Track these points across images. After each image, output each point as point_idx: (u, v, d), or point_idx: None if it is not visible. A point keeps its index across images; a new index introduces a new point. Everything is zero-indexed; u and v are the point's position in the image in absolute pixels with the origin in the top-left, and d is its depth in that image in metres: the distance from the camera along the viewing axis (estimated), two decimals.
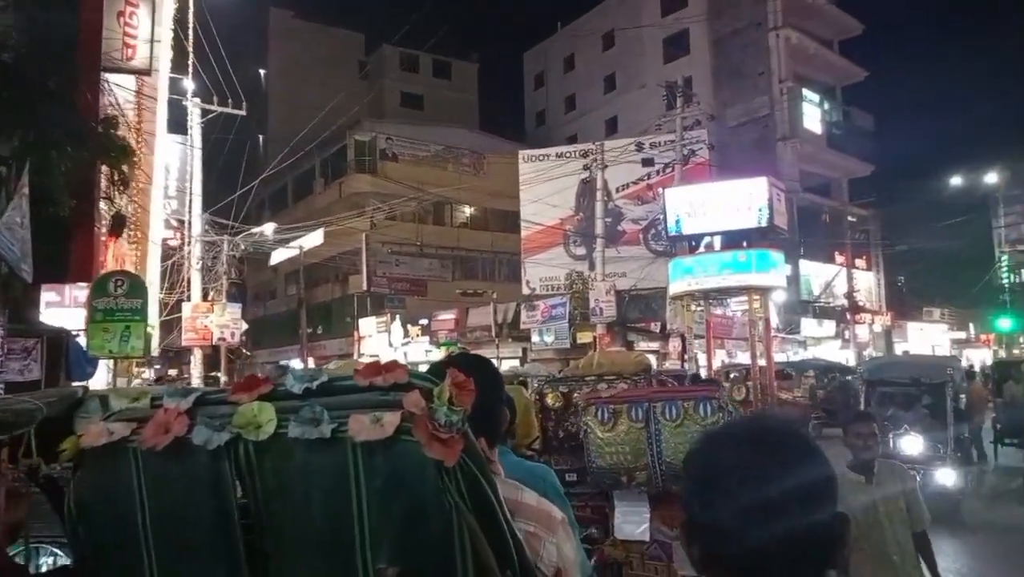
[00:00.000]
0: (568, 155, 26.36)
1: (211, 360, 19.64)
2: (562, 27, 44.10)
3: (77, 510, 1.37)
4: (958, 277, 37.48)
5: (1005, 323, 22.79)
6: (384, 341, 31.69)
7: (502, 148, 37.32)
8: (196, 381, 17.50)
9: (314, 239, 39.24)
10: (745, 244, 17.71)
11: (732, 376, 18.40)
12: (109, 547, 1.37)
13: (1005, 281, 26.01)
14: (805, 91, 33.29)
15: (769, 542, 0.93)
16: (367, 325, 33.21)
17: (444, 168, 38.52)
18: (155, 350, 18.16)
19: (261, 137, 51.93)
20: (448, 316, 28.51)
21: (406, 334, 30.74)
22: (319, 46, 48.75)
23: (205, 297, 19.15)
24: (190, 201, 17.32)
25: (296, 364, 41.10)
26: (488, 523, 1.17)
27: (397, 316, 31.53)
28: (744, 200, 17.72)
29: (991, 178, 29.60)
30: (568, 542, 1.57)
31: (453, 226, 40.08)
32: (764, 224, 17.66)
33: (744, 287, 17.91)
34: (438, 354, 29.43)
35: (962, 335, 38.80)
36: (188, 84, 17.78)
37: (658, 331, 22.32)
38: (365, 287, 34.40)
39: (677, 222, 18.41)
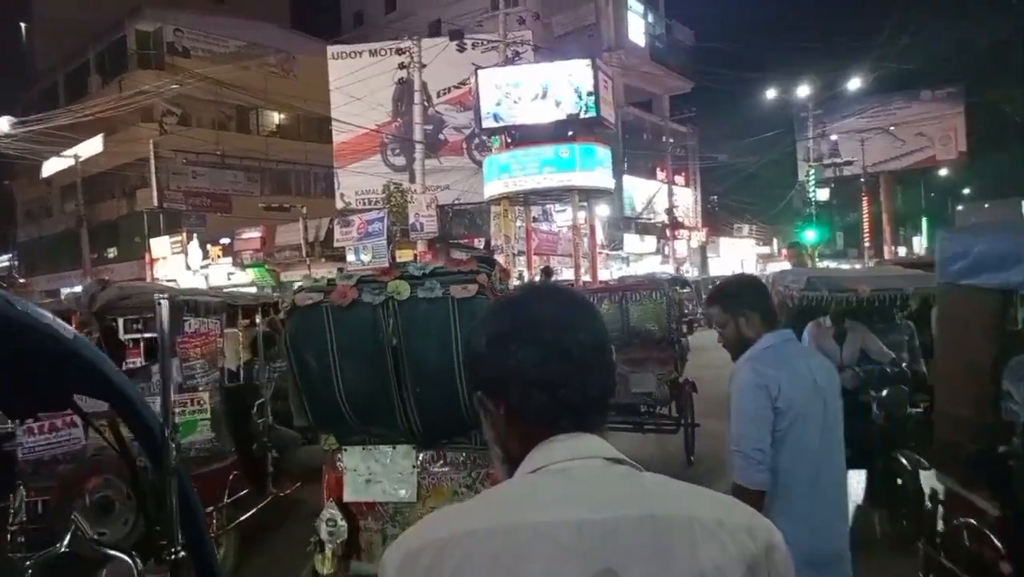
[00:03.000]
0: (383, 52, 23.69)
1: None
2: None
3: (291, 341, 2.83)
4: (765, 194, 39.55)
5: (811, 234, 23.84)
6: (181, 263, 28.14)
7: (315, 50, 33.65)
8: None
9: (92, 146, 33.95)
10: (571, 134, 16.19)
11: None
12: (311, 364, 2.80)
13: (811, 195, 27.25)
14: (630, 1, 32.59)
15: (569, 388, 0.99)
16: (160, 246, 29.33)
17: (247, 68, 34.17)
18: None
19: (23, 25, 43.86)
20: (253, 234, 25.58)
21: (205, 255, 27.41)
22: None
23: None
24: None
25: (79, 291, 36.03)
26: None
27: (195, 235, 27.98)
28: (566, 85, 16.10)
29: (801, 93, 30.68)
30: None
31: (260, 134, 36.12)
32: (590, 113, 16.25)
33: (567, 188, 16.32)
34: (242, 277, 26.48)
35: (767, 250, 41.28)
36: None
37: (482, 248, 21.04)
38: (156, 202, 30.28)
39: (493, 114, 16.60)
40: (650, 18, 34.80)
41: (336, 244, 22.11)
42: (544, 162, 15.89)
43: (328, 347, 2.74)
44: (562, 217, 22.91)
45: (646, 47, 33.59)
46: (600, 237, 23.05)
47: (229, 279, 26.57)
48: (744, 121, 38.12)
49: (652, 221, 30.43)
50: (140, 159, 31.24)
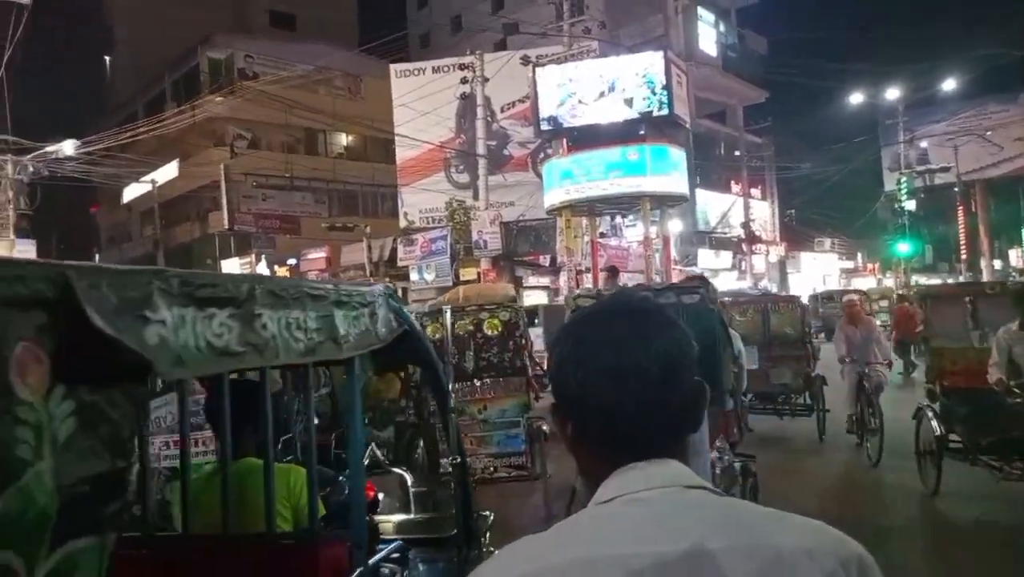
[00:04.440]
0: (445, 69, 23.33)
1: None
2: None
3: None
4: (847, 206, 37.50)
5: (904, 248, 22.10)
6: None
7: (382, 71, 33.77)
8: None
9: (168, 172, 34.86)
10: (642, 134, 14.47)
11: None
12: None
13: (903, 204, 25.36)
14: (700, 10, 31.49)
15: (638, 413, 0.95)
16: (230, 267, 29.68)
17: (315, 91, 34.55)
18: None
19: (108, 60, 45.84)
20: (318, 254, 25.50)
21: (273, 276, 27.50)
22: None
23: None
24: None
25: None
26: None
27: (263, 256, 28.16)
28: (637, 81, 14.56)
29: (887, 96, 28.87)
30: None
31: (328, 156, 36.42)
32: (663, 112, 14.52)
33: (637, 194, 14.53)
34: None
35: (851, 264, 39.08)
36: None
37: (547, 264, 20.22)
38: (227, 225, 30.70)
39: (553, 116, 15.22)
40: (721, 27, 33.57)
41: (399, 263, 21.70)
42: (610, 166, 14.29)
43: None
44: (632, 232, 21.90)
45: (718, 57, 32.36)
46: (673, 252, 21.93)
47: None
48: (823, 130, 36.39)
49: (728, 235, 29.03)
50: (212, 182, 31.83)
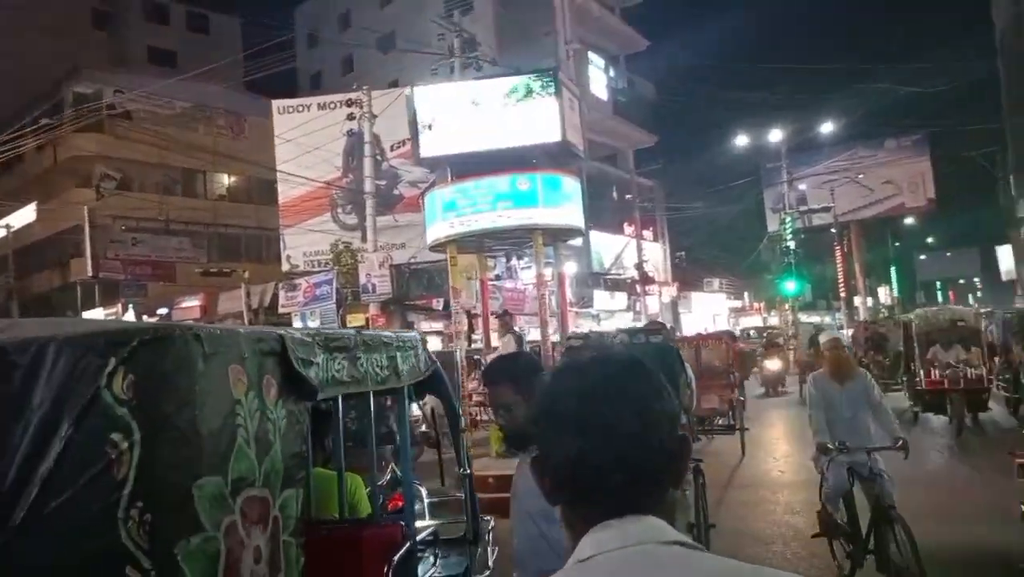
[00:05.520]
0: (332, 105, 22.36)
1: None
2: None
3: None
4: (734, 247, 38.73)
5: (791, 286, 22.64)
6: None
7: (267, 109, 32.35)
8: None
9: (25, 215, 31.93)
10: (534, 163, 13.49)
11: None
12: None
13: (788, 242, 26.14)
14: (591, 55, 32.05)
15: (611, 467, 0.94)
16: (93, 318, 27.13)
17: (195, 130, 32.70)
18: None
19: None
20: (192, 303, 23.64)
21: None
22: None
23: None
24: None
25: None
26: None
27: (131, 306, 25.89)
28: (522, 106, 13.54)
29: (768, 140, 30.05)
30: None
31: (208, 198, 34.39)
32: (555, 138, 13.42)
33: (528, 227, 13.27)
34: None
35: (739, 303, 40.21)
36: None
37: (441, 308, 19.35)
38: (90, 272, 28.22)
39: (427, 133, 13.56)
40: (611, 72, 34.29)
41: (281, 310, 20.26)
42: (499, 196, 13.04)
43: None
44: (528, 274, 21.41)
45: (608, 101, 32.93)
46: (569, 294, 21.54)
47: None
48: (709, 174, 37.55)
49: (622, 277, 29.09)
50: (77, 226, 29.27)
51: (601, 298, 27.37)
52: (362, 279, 18.07)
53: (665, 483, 0.97)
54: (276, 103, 24.43)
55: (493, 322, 16.80)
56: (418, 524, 3.64)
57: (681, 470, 0.98)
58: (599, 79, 32.44)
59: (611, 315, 28.29)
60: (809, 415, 5.35)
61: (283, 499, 1.89)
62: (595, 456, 0.93)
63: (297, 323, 20.10)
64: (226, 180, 35.74)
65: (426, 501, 4.60)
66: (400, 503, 4.02)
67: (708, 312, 35.19)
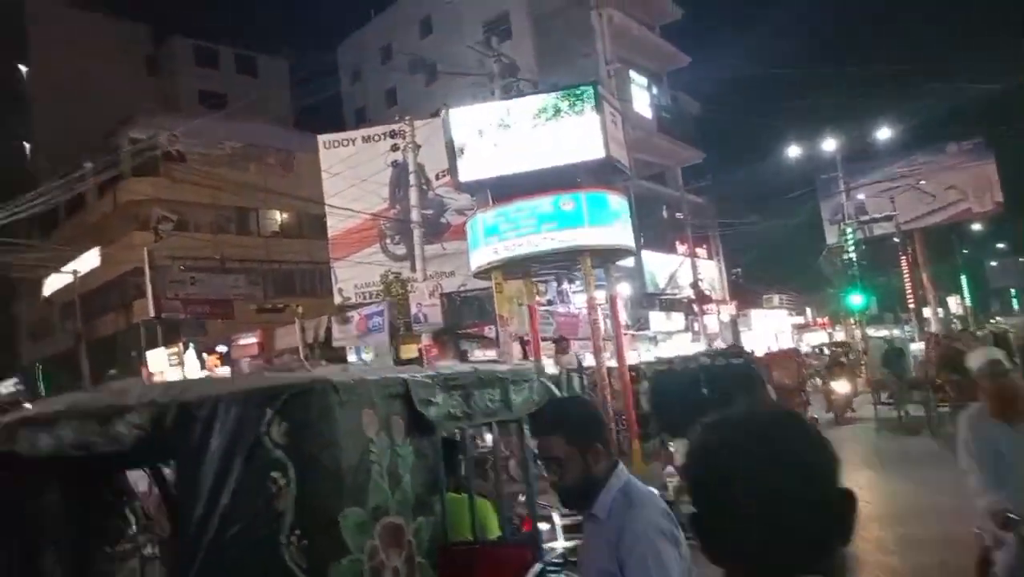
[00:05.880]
0: (376, 137, 22.49)
1: None
2: (376, 15, 40.53)
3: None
4: (792, 262, 37.59)
5: (857, 299, 21.60)
6: (179, 376, 26.37)
7: (315, 145, 32.90)
8: None
9: (89, 260, 32.89)
10: (578, 182, 12.67)
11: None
12: None
13: (850, 254, 25.05)
14: (632, 74, 31.74)
15: (780, 534, 0.94)
16: (157, 358, 27.67)
17: (246, 169, 33.44)
18: None
19: (28, 145, 43.93)
20: (250, 340, 23.83)
21: (203, 365, 25.59)
22: (96, 38, 41.65)
23: None
24: None
25: None
26: None
27: (191, 345, 26.27)
28: (565, 123, 12.65)
29: (824, 149, 29.10)
30: None
31: (261, 236, 35.00)
32: (598, 155, 12.56)
33: (575, 248, 12.65)
34: None
35: (801, 320, 38.90)
36: None
37: (494, 336, 19.03)
38: (152, 312, 28.82)
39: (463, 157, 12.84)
40: (654, 90, 33.91)
41: (335, 343, 20.24)
42: (542, 218, 12.45)
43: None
44: (581, 298, 20.98)
45: (653, 119, 32.53)
46: (624, 316, 21.01)
47: None
48: (763, 186, 36.70)
49: (677, 296, 28.39)
50: (136, 269, 30.05)
51: (657, 319, 26.72)
52: (413, 309, 17.92)
53: (837, 541, 0.96)
54: (322, 138, 24.74)
55: (548, 347, 16.43)
56: (550, 545, 3.86)
57: (850, 527, 0.96)
58: (642, 97, 32.08)
59: (669, 337, 27.59)
60: (966, 465, 3.75)
61: (416, 525, 2.11)
62: (769, 519, 0.92)
63: (352, 356, 20.07)
64: (278, 216, 36.37)
65: (559, 524, 4.73)
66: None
67: (770, 330, 34.09)
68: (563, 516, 4.85)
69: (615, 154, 13.04)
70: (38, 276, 32.89)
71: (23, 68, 43.36)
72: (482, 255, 13.22)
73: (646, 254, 27.87)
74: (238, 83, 43.74)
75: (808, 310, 39.75)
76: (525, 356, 17.56)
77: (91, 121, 34.15)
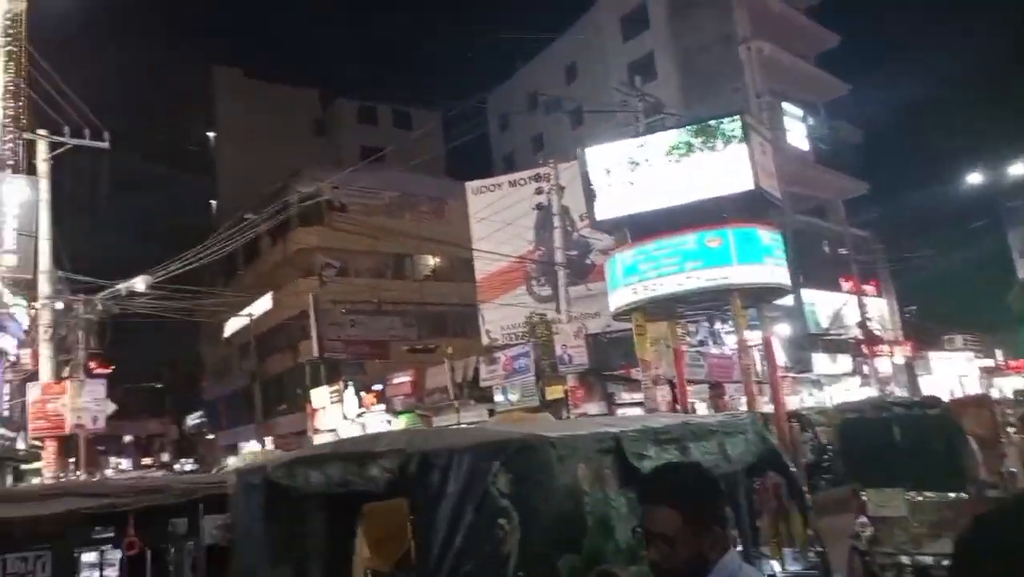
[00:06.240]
0: (521, 181, 22.91)
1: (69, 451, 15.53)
2: (523, 65, 41.74)
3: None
4: (973, 299, 33.96)
5: None
6: (339, 413, 27.73)
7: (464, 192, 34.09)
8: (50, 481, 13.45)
9: (262, 304, 35.72)
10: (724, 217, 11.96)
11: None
12: None
13: None
14: (785, 105, 30.41)
15: None
16: (320, 396, 29.30)
17: (401, 217, 35.16)
18: None
19: (214, 203, 48.75)
20: (403, 379, 24.64)
21: (360, 403, 26.76)
22: (271, 105, 45.94)
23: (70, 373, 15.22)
24: (36, 254, 13.62)
25: (252, 446, 36.83)
26: None
27: (350, 384, 27.59)
28: (708, 156, 12.00)
29: (1013, 172, 26.28)
30: None
31: (416, 279, 36.47)
32: (747, 187, 11.79)
33: (723, 288, 11.90)
34: (397, 424, 25.38)
35: (990, 362, 34.87)
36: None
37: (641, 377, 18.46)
38: (316, 353, 30.69)
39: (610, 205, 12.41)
40: (810, 121, 32.29)
41: (482, 383, 20.47)
42: (686, 256, 11.79)
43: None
44: (734, 338, 19.97)
45: (810, 151, 30.94)
46: (782, 358, 19.77)
47: (389, 426, 25.61)
48: (936, 219, 33.69)
49: (843, 337, 26.37)
50: (302, 312, 32.18)
51: (821, 362, 24.91)
52: (558, 350, 17.78)
53: None
54: (469, 184, 25.54)
55: (699, 390, 15.67)
56: None
57: None
58: (797, 129, 30.65)
59: (835, 380, 25.64)
60: None
61: (629, 574, 2.13)
62: None
63: (498, 396, 20.18)
64: (431, 261, 37.78)
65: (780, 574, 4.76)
66: None
67: (952, 373, 30.80)
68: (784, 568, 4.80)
69: (765, 185, 12.23)
70: (219, 320, 36.06)
71: (211, 135, 48.47)
72: (621, 296, 12.72)
73: (806, 292, 26.25)
74: (395, 136, 46.40)
75: (997, 352, 35.63)
76: (675, 400, 16.88)
77: (266, 178, 37.41)
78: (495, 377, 19.91)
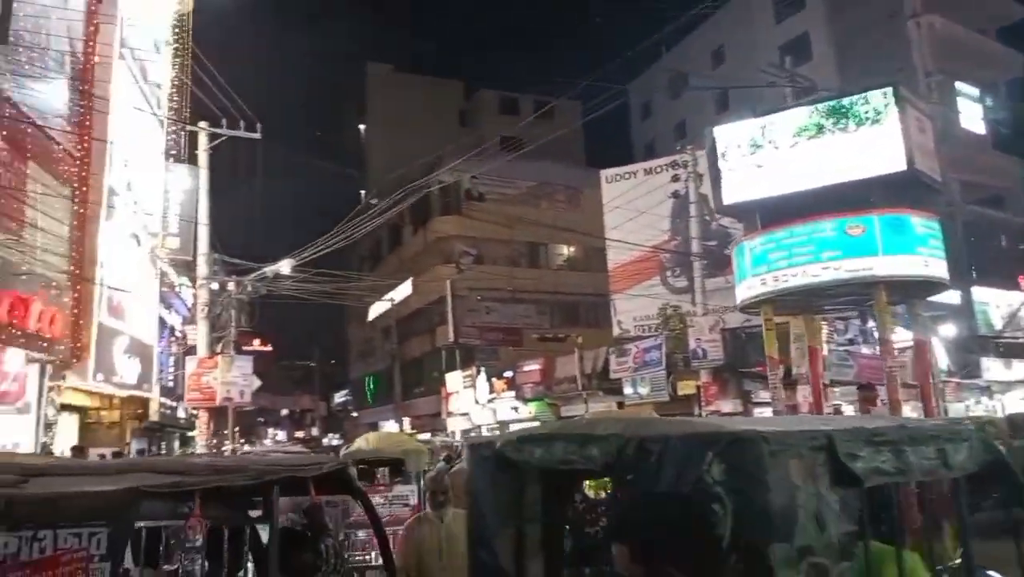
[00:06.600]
0: (657, 169, 22.16)
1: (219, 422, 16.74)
2: (668, 51, 40.45)
3: None
4: None
5: None
6: (471, 397, 28.32)
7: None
8: (201, 448, 14.61)
9: (403, 290, 37.03)
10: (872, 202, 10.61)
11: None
12: None
13: None
14: (959, 85, 27.63)
15: None
16: (454, 380, 30.05)
17: (537, 206, 35.24)
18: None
19: (363, 193, 51.10)
20: (533, 367, 24.71)
21: (492, 389, 27.16)
22: (418, 97, 47.53)
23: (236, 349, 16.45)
24: (195, 237, 14.78)
25: (391, 426, 38.41)
26: None
27: (482, 369, 28.06)
28: (853, 135, 10.58)
29: None
30: None
31: (550, 268, 36.46)
32: (898, 168, 10.33)
33: (866, 280, 10.50)
34: (525, 411, 25.54)
35: None
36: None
37: (781, 377, 17.38)
38: (452, 338, 31.46)
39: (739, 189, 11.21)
40: (988, 102, 29.18)
41: (612, 375, 20.10)
42: (822, 245, 10.45)
43: None
44: (893, 337, 18.31)
45: (988, 134, 27.99)
46: (944, 361, 18.02)
47: (515, 413, 25.85)
48: None
49: (1020, 340, 23.65)
50: (440, 298, 33.08)
51: (993, 367, 22.46)
52: (692, 344, 17.13)
53: None
54: (604, 172, 25.12)
55: (848, 392, 14.55)
56: None
57: None
58: (972, 110, 27.76)
59: (1008, 388, 23.08)
60: None
61: (840, 569, 2.21)
62: None
63: (628, 389, 19.75)
64: (565, 250, 37.65)
65: None
66: None
67: None
68: None
69: (922, 167, 10.85)
70: (364, 304, 37.80)
71: (362, 128, 50.83)
72: (749, 287, 11.55)
73: (978, 290, 23.77)
74: (535, 127, 46.51)
75: None
76: (817, 403, 15.76)
77: (411, 169, 38.70)
78: (625, 369, 19.49)
